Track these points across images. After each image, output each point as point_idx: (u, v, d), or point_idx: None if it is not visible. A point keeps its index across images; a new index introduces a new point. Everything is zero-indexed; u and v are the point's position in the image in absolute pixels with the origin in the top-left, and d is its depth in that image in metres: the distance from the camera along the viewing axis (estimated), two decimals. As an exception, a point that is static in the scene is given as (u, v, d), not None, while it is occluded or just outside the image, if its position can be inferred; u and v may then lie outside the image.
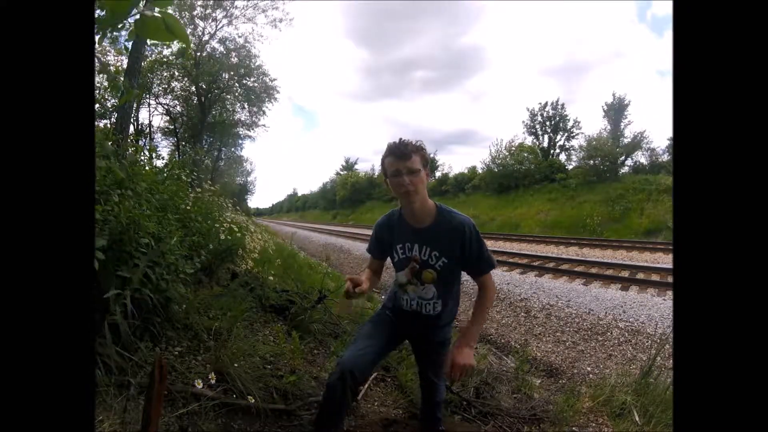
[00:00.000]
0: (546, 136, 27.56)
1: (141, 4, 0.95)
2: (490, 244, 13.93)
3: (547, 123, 27.38)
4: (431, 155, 36.11)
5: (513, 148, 25.95)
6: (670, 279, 7.02)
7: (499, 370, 3.25)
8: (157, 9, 0.93)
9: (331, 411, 1.54)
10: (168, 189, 2.86)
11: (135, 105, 9.93)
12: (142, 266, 1.89)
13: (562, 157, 26.61)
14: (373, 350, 1.62)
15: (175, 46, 13.76)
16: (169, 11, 0.95)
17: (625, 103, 24.09)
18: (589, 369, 4.78)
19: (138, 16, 0.93)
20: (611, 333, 5.19)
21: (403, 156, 1.49)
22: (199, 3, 13.66)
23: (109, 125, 6.75)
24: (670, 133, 20.01)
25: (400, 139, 1.55)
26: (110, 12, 0.92)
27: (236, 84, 15.16)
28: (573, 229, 17.25)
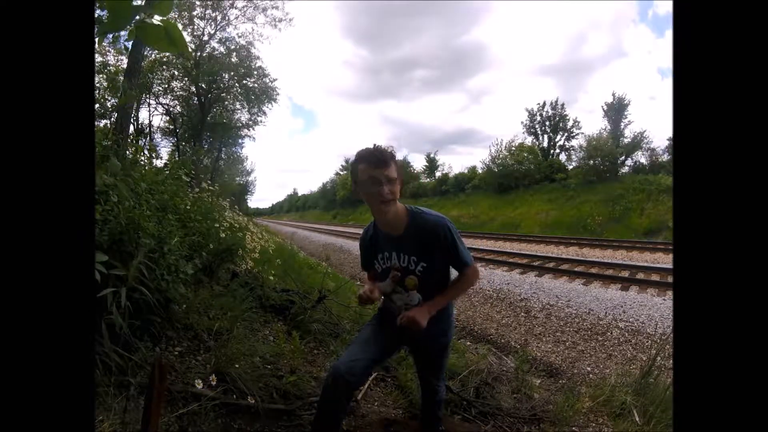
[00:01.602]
0: (546, 136, 27.60)
1: (141, 3, 0.94)
2: (490, 244, 13.98)
3: (547, 123, 27.40)
4: (432, 155, 36.33)
5: (513, 148, 25.97)
6: (670, 279, 7.02)
7: (499, 370, 3.25)
8: (158, 17, 0.92)
9: (325, 414, 1.54)
10: (168, 189, 2.86)
11: (135, 105, 9.93)
12: (135, 263, 1.87)
13: (562, 157, 26.66)
14: (367, 356, 1.59)
15: (175, 46, 13.74)
16: (171, 13, 0.94)
17: (625, 102, 24.12)
18: (589, 369, 4.78)
19: (139, 22, 0.92)
20: (611, 333, 5.20)
21: (382, 163, 1.41)
22: (199, 3, 13.66)
23: (109, 125, 6.75)
24: (670, 133, 20.04)
25: (375, 144, 1.47)
26: (112, 17, 0.91)
27: (236, 84, 15.16)
28: (573, 229, 17.26)
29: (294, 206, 69.09)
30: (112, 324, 1.73)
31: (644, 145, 22.30)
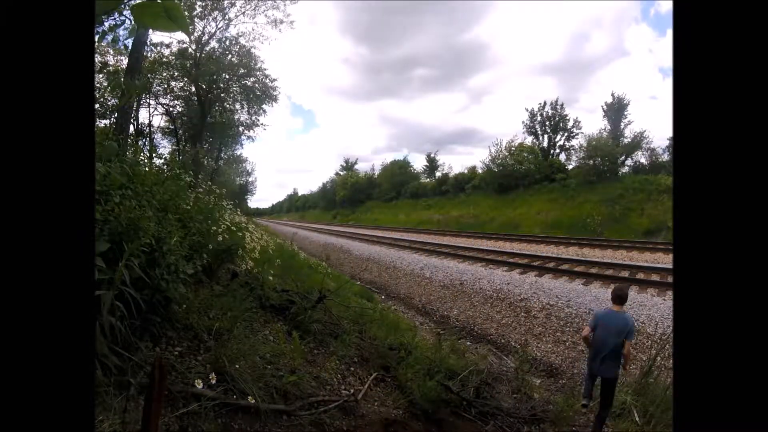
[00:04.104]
0: (546, 136, 27.58)
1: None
2: (490, 244, 13.96)
3: (547, 123, 27.39)
4: (432, 155, 36.31)
5: (513, 148, 25.96)
6: (670, 279, 7.02)
7: (499, 370, 3.25)
8: None
9: None
10: (168, 189, 2.85)
11: (135, 105, 9.93)
12: (120, 266, 1.86)
13: (562, 157, 26.63)
14: None
15: (176, 46, 13.73)
16: None
17: (625, 102, 24.11)
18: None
19: (135, 2, 0.88)
20: (611, 333, 5.19)
21: None
22: (199, 3, 13.64)
23: (109, 125, 6.75)
24: (670, 133, 20.00)
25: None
26: None
27: (236, 85, 15.14)
28: (573, 229, 17.25)
29: (294, 206, 69.03)
30: (107, 323, 1.73)
31: (644, 145, 22.30)
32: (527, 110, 28.07)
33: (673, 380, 0.71)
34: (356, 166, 49.52)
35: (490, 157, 26.53)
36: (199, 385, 1.81)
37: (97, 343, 1.67)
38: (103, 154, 2.06)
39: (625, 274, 7.80)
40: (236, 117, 16.52)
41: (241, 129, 17.06)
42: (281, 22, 14.01)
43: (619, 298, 3.01)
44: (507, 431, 2.30)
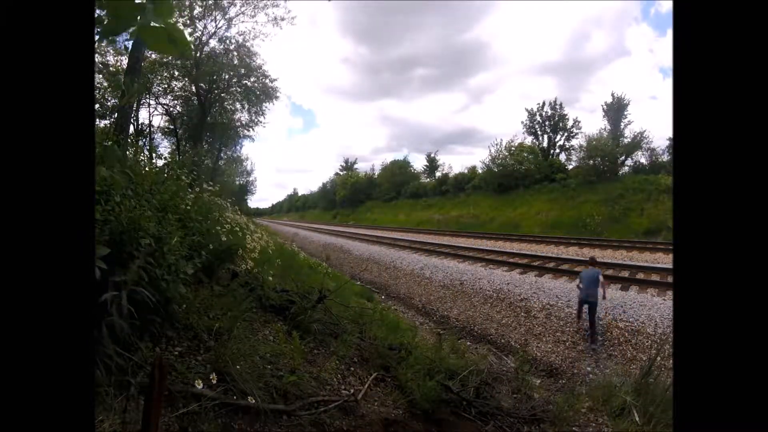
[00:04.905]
0: (546, 136, 27.58)
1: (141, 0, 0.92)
2: (490, 244, 13.96)
3: (546, 123, 27.39)
4: (432, 155, 36.36)
5: (513, 148, 25.97)
6: (670, 279, 7.03)
7: (499, 370, 3.25)
8: (160, 20, 0.90)
9: None
10: (168, 189, 2.86)
11: (135, 105, 9.93)
12: (134, 268, 1.88)
13: (562, 157, 26.64)
14: None
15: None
16: (173, 14, 0.91)
17: (625, 102, 24.12)
18: (589, 369, 4.79)
19: (140, 25, 0.90)
20: (611, 333, 5.20)
21: None
22: (199, 3, 13.63)
23: (109, 125, 6.76)
24: (670, 133, 19.97)
25: None
26: (114, 20, 0.90)
27: (236, 86, 15.13)
28: (573, 229, 17.25)
29: (294, 206, 69.00)
30: (113, 324, 1.73)
31: (644, 145, 22.30)
32: (527, 110, 28.10)
33: (673, 380, 0.71)
34: (356, 166, 49.58)
35: (490, 157, 26.57)
36: (199, 385, 1.81)
37: (104, 344, 1.68)
38: (105, 159, 2.06)
39: (625, 274, 7.80)
40: (236, 117, 16.52)
41: (240, 130, 17.06)
42: (282, 19, 13.98)
43: (592, 262, 5.93)
44: (507, 431, 2.30)
